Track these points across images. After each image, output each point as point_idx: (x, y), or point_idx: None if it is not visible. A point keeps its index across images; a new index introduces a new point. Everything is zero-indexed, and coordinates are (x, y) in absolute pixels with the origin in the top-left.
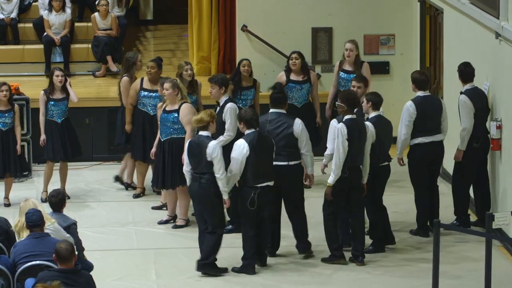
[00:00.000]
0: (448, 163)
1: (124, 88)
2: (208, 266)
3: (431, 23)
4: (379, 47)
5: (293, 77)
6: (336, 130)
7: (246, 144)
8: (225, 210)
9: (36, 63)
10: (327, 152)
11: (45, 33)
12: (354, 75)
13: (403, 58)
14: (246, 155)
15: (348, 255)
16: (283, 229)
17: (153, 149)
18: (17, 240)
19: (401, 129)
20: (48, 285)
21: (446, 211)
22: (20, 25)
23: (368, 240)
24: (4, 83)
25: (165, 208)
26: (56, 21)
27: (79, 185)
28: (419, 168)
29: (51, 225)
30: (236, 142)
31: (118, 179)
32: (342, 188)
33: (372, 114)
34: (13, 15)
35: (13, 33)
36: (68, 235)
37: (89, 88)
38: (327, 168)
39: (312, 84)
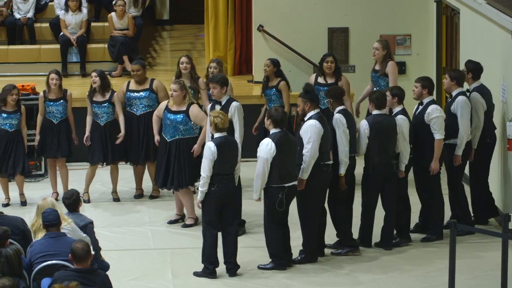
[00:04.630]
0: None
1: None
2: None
3: (448, 23)
4: (396, 47)
5: (321, 80)
6: (335, 121)
7: (273, 144)
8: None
9: (52, 63)
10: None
11: (61, 33)
12: (378, 73)
13: (419, 58)
14: (273, 155)
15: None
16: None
17: (156, 137)
18: (34, 240)
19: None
20: (65, 285)
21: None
22: (37, 25)
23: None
24: (15, 87)
25: (181, 221)
26: (73, 21)
27: (95, 185)
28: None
29: (68, 225)
30: (262, 142)
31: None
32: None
33: (398, 108)
34: (30, 15)
35: (29, 33)
36: (84, 235)
37: None
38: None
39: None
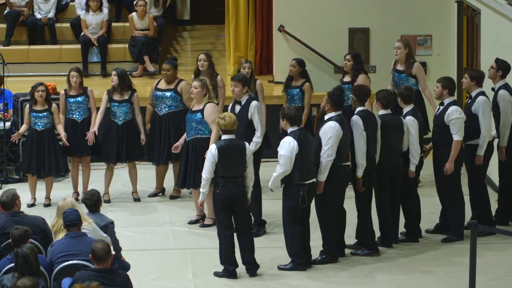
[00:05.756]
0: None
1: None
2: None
3: (468, 24)
4: (416, 47)
5: (346, 78)
6: (352, 122)
7: (295, 141)
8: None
9: (73, 63)
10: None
11: (82, 33)
12: (404, 74)
13: (440, 59)
14: (296, 152)
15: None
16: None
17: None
18: (54, 240)
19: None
20: (86, 285)
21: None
22: (58, 25)
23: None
24: (41, 84)
25: (202, 221)
26: (93, 21)
27: (116, 185)
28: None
29: (89, 225)
30: (283, 139)
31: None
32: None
33: (408, 108)
34: (51, 15)
35: (50, 33)
36: (105, 234)
37: None
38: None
39: None
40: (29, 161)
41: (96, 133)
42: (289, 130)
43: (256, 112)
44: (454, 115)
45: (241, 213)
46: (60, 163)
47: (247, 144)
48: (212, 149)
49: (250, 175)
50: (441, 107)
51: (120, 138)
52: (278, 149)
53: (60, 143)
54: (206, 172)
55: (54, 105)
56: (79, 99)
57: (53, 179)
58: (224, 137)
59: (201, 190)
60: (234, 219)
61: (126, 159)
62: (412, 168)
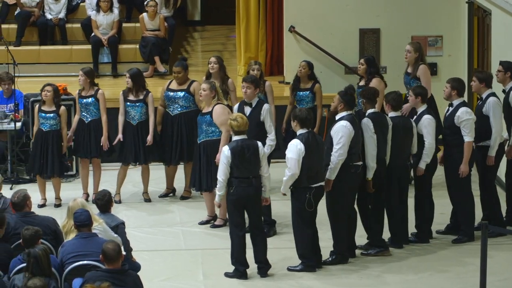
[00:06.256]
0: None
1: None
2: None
3: (479, 24)
4: (427, 48)
5: (362, 82)
6: (363, 125)
7: (302, 144)
8: None
9: (83, 63)
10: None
11: (92, 34)
12: (410, 76)
13: (450, 60)
14: (302, 155)
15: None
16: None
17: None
18: (65, 241)
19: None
20: (97, 285)
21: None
22: (68, 25)
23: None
24: (49, 84)
25: (213, 221)
26: (104, 22)
27: (127, 185)
28: None
29: (99, 226)
30: (291, 142)
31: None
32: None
33: (422, 108)
34: (61, 15)
35: (61, 33)
36: (115, 235)
37: None
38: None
39: None
40: (33, 162)
41: (121, 139)
42: (299, 132)
43: (268, 115)
44: (465, 117)
45: (255, 213)
46: (62, 165)
47: (259, 143)
48: (225, 150)
49: (266, 173)
50: (451, 108)
51: (136, 139)
52: (286, 151)
53: (69, 143)
54: (222, 174)
55: (62, 108)
56: (88, 100)
57: (60, 179)
58: (235, 138)
59: (217, 192)
60: (248, 219)
61: (144, 161)
62: (422, 165)
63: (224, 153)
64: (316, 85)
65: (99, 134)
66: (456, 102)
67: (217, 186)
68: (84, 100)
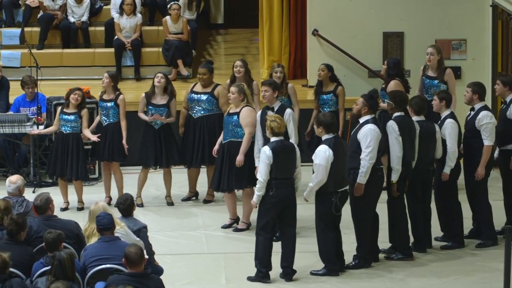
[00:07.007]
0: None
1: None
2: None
3: (503, 28)
4: (451, 52)
5: (384, 84)
6: (388, 127)
7: (331, 150)
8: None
9: (106, 67)
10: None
11: (115, 37)
12: (437, 81)
13: (474, 63)
14: (331, 161)
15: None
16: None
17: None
18: (87, 245)
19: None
20: None
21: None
22: (91, 28)
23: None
24: (80, 89)
25: (236, 225)
26: (127, 25)
27: (149, 189)
28: None
29: (121, 229)
30: (318, 148)
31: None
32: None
33: (446, 112)
34: (84, 18)
35: (84, 36)
36: (138, 238)
37: None
38: None
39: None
40: (53, 164)
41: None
42: (324, 137)
43: (291, 120)
44: (485, 120)
45: (291, 214)
46: (82, 168)
47: (295, 144)
48: (266, 150)
49: (299, 175)
50: (472, 112)
51: (157, 143)
52: (313, 157)
53: (86, 147)
54: (263, 175)
55: (84, 110)
56: (108, 104)
57: (81, 183)
58: (273, 139)
59: (256, 192)
60: (282, 220)
61: (166, 165)
62: (447, 170)
63: (266, 153)
64: (339, 88)
65: (115, 138)
66: (477, 106)
67: (257, 186)
68: (104, 104)
